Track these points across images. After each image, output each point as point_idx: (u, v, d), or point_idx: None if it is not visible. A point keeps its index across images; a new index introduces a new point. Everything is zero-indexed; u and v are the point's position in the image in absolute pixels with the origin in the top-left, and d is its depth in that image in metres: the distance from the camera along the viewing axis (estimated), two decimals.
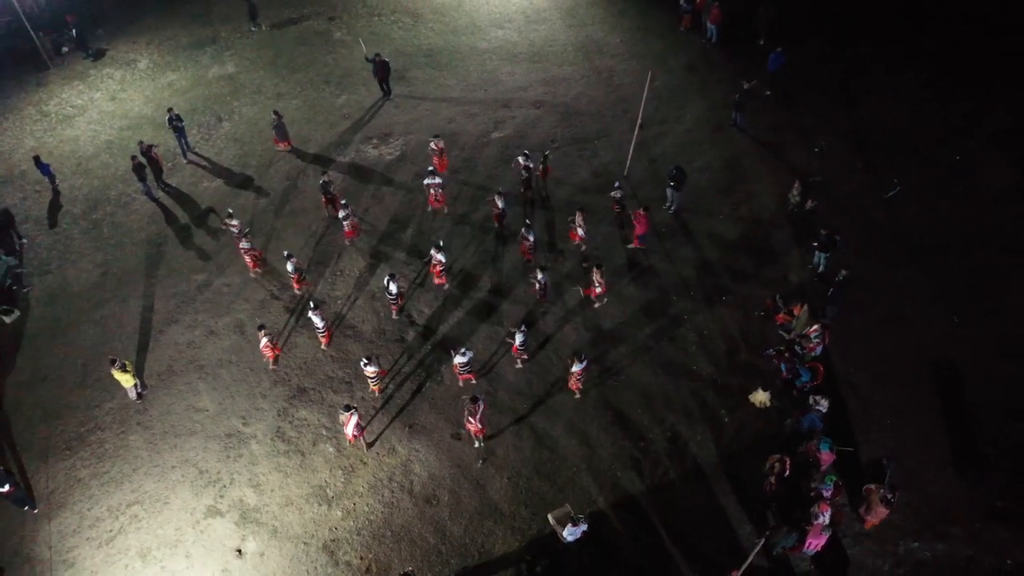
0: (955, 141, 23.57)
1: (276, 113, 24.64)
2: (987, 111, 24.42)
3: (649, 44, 29.38)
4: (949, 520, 15.40)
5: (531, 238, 20.14)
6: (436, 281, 20.28)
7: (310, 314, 18.51)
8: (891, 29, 28.40)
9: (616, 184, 21.37)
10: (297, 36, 31.07)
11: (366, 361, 17.22)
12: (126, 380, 17.70)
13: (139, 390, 18.29)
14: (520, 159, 22.02)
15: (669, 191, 21.83)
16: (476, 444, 17.07)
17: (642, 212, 20.06)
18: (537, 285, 19.21)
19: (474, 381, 18.13)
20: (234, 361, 19.09)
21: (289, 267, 19.73)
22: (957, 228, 20.97)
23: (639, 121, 22.45)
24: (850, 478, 15.90)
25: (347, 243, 21.74)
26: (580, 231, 20.62)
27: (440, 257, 19.62)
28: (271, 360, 18.74)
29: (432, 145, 23.10)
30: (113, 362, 17.40)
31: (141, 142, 23.40)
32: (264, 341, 18.16)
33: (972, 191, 22.00)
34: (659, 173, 23.13)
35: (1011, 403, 17.11)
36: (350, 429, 16.39)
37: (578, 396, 17.75)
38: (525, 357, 18.36)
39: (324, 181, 22.08)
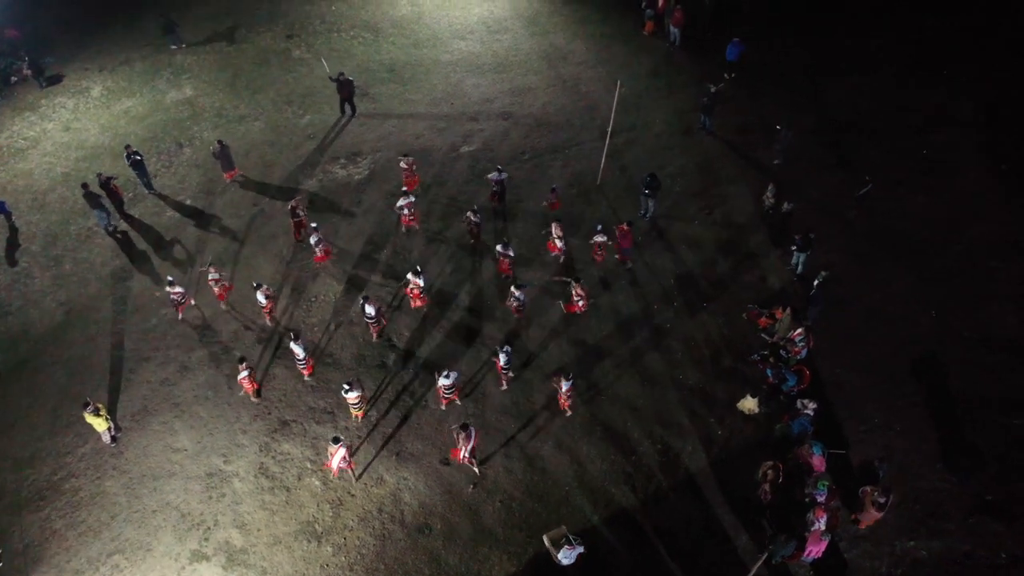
0: (925, 134, 23.91)
1: (220, 142, 23.67)
2: (956, 103, 24.85)
3: (613, 50, 29.37)
4: (943, 516, 15.47)
5: (510, 253, 19.89)
6: (414, 304, 19.89)
7: (291, 344, 18.00)
8: (857, 17, 28.85)
9: (598, 227, 20.50)
10: (255, 55, 30.39)
11: (347, 387, 16.80)
12: (99, 424, 17.03)
13: (113, 433, 17.60)
14: (491, 176, 22.02)
15: (643, 198, 21.73)
16: (475, 470, 16.67)
17: (625, 227, 19.94)
18: (515, 303, 18.99)
19: (458, 402, 17.80)
20: (211, 397, 18.49)
21: (260, 298, 19.21)
22: (932, 222, 21.23)
23: (609, 129, 22.33)
24: (843, 480, 15.90)
25: (319, 268, 21.24)
26: (558, 242, 20.43)
27: (418, 281, 19.24)
28: (251, 393, 18.21)
29: (402, 164, 22.76)
30: (86, 406, 16.71)
31: (100, 174, 22.63)
32: (244, 374, 17.63)
33: (944, 184, 22.31)
34: (632, 180, 23.07)
35: (997, 394, 17.29)
36: (335, 462, 15.95)
37: (569, 414, 17.56)
38: (511, 376, 18.09)
39: (292, 206, 21.59)
